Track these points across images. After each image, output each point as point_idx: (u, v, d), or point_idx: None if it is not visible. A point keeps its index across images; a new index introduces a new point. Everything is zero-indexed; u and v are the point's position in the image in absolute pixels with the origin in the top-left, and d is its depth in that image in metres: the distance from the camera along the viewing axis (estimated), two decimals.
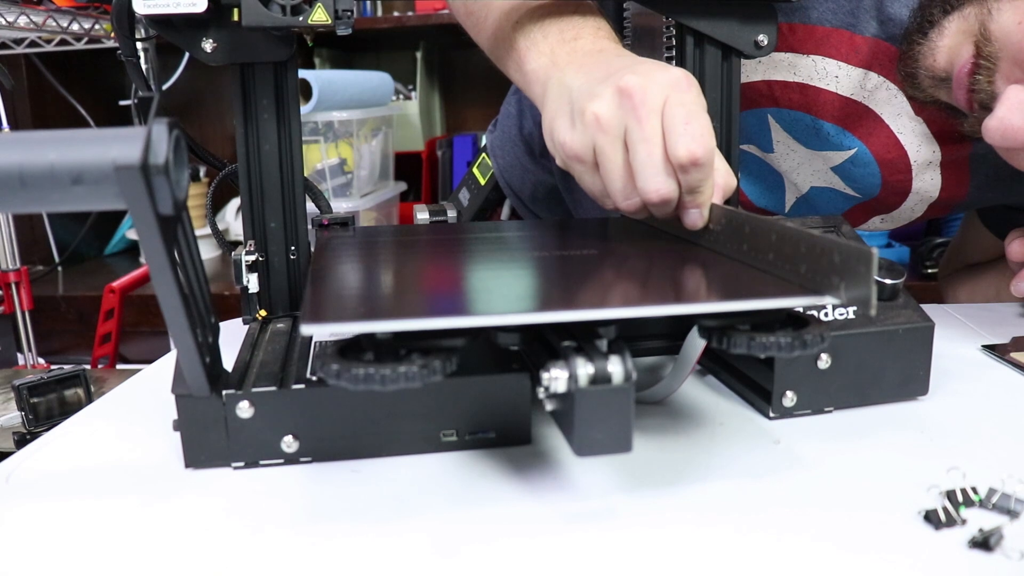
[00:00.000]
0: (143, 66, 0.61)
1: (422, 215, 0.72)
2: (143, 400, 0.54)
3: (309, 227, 0.60)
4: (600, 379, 0.36)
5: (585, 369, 0.36)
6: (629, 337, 0.52)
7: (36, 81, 1.95)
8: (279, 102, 0.56)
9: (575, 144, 0.51)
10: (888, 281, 0.51)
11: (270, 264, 0.59)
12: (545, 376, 0.37)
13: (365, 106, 1.74)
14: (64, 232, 2.04)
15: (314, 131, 1.66)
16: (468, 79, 2.31)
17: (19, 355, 1.59)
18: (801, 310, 0.42)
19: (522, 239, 0.62)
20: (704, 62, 0.59)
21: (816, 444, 0.46)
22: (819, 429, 0.48)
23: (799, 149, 0.77)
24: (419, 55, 2.13)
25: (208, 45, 0.52)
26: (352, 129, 1.70)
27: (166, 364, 0.61)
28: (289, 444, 0.43)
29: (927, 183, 0.75)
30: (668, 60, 0.61)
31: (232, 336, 0.52)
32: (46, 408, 0.83)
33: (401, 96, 2.16)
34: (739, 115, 0.61)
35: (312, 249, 0.58)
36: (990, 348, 0.61)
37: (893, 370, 0.50)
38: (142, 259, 1.94)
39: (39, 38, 1.59)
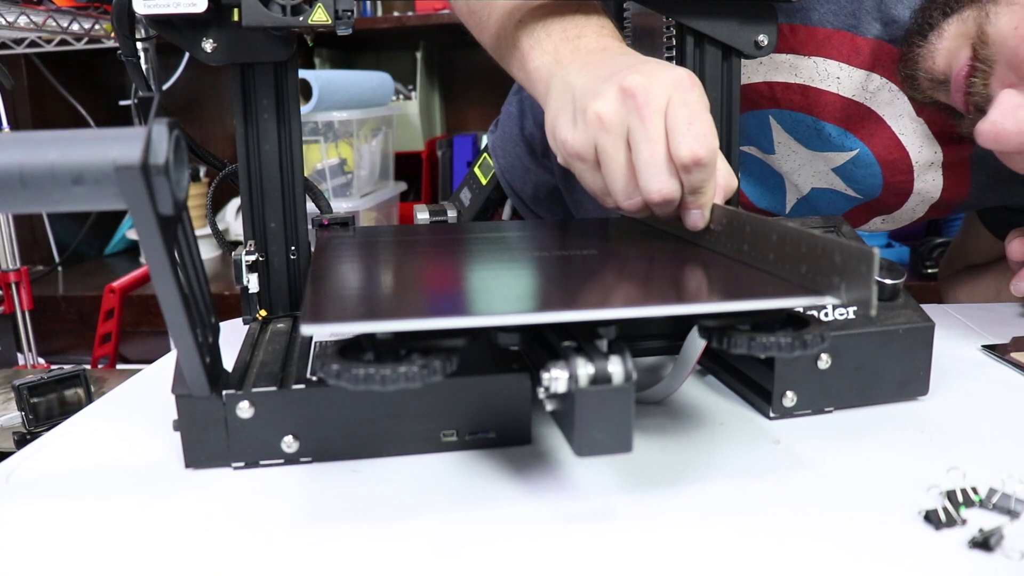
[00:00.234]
0: (143, 66, 0.61)
1: (422, 215, 0.72)
2: (143, 400, 0.54)
3: (309, 227, 0.60)
4: (600, 379, 0.36)
5: (585, 369, 0.36)
6: (629, 337, 0.52)
7: (36, 81, 1.95)
8: (279, 102, 0.56)
9: (576, 142, 0.51)
10: (888, 281, 0.51)
11: (270, 264, 0.59)
12: (545, 376, 0.37)
13: (365, 106, 1.74)
14: (64, 232, 2.04)
15: (314, 131, 1.66)
16: (468, 79, 2.31)
17: (19, 355, 1.59)
18: (801, 310, 0.42)
19: (522, 239, 0.62)
20: (704, 62, 0.59)
21: (816, 444, 0.46)
22: (819, 429, 0.48)
23: (800, 150, 0.77)
24: (419, 55, 2.13)
25: (208, 45, 0.52)
26: (352, 129, 1.70)
27: (166, 364, 0.61)
28: (289, 444, 0.43)
29: (929, 184, 0.75)
30: (668, 60, 0.61)
31: (232, 336, 0.52)
32: (46, 408, 0.83)
33: (401, 96, 2.16)
34: (739, 116, 0.61)
35: (312, 249, 0.58)
36: (990, 348, 0.61)
37: (893, 370, 0.50)
38: (142, 259, 1.94)
39: (39, 38, 1.59)
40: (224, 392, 0.42)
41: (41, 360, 1.64)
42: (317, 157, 1.68)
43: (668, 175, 0.49)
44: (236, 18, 0.50)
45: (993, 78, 0.58)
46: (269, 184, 0.57)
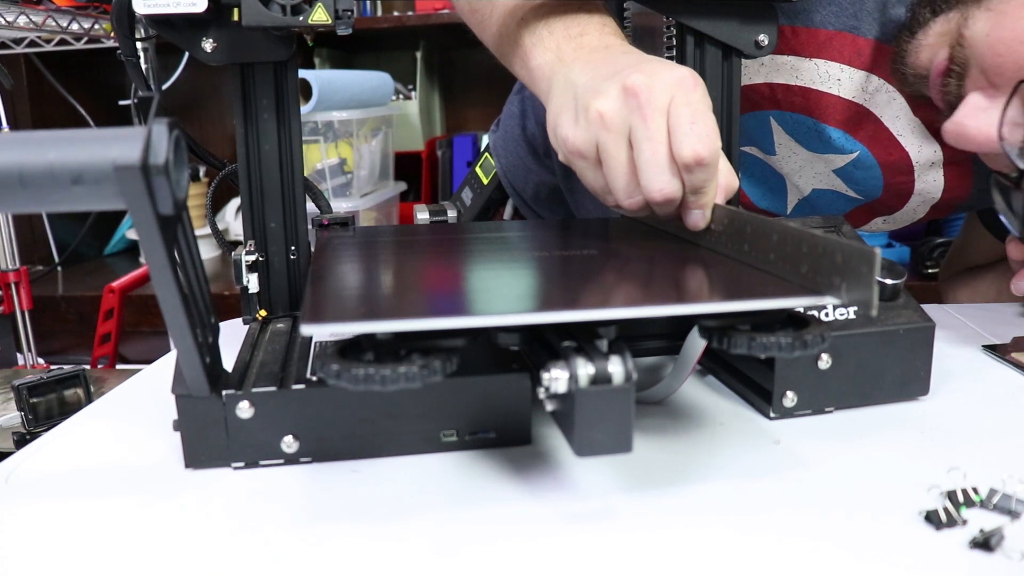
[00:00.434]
0: (143, 66, 0.61)
1: (422, 215, 0.72)
2: (143, 400, 0.54)
3: (309, 227, 0.60)
4: (600, 379, 0.36)
5: (585, 369, 0.36)
6: (629, 337, 0.52)
7: (36, 81, 1.95)
8: (279, 102, 0.56)
9: (578, 140, 0.51)
10: (889, 281, 0.50)
11: (270, 264, 0.58)
12: (545, 376, 0.37)
13: (365, 106, 1.74)
14: (64, 232, 2.04)
15: (314, 131, 1.66)
16: (468, 79, 2.30)
17: (19, 355, 1.59)
18: (802, 310, 0.42)
19: (522, 239, 0.62)
20: (705, 62, 0.59)
21: (816, 444, 0.46)
22: (819, 429, 0.48)
23: (801, 151, 0.77)
24: (419, 55, 2.13)
25: (208, 45, 0.52)
26: (352, 129, 1.70)
27: (166, 364, 0.61)
28: (289, 444, 0.43)
29: (930, 184, 0.75)
30: (669, 60, 0.61)
31: (232, 336, 0.52)
32: (46, 408, 0.83)
33: (401, 96, 2.16)
34: (740, 116, 0.61)
35: (312, 249, 0.58)
36: (991, 348, 0.61)
37: (894, 370, 0.50)
38: (142, 259, 1.94)
39: (39, 38, 1.59)
40: (224, 392, 0.42)
41: (41, 360, 1.64)
42: (317, 157, 1.68)
43: (670, 174, 0.49)
44: (236, 18, 0.50)
45: (967, 80, 0.59)
46: (269, 184, 0.57)
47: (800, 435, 0.47)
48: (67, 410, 0.82)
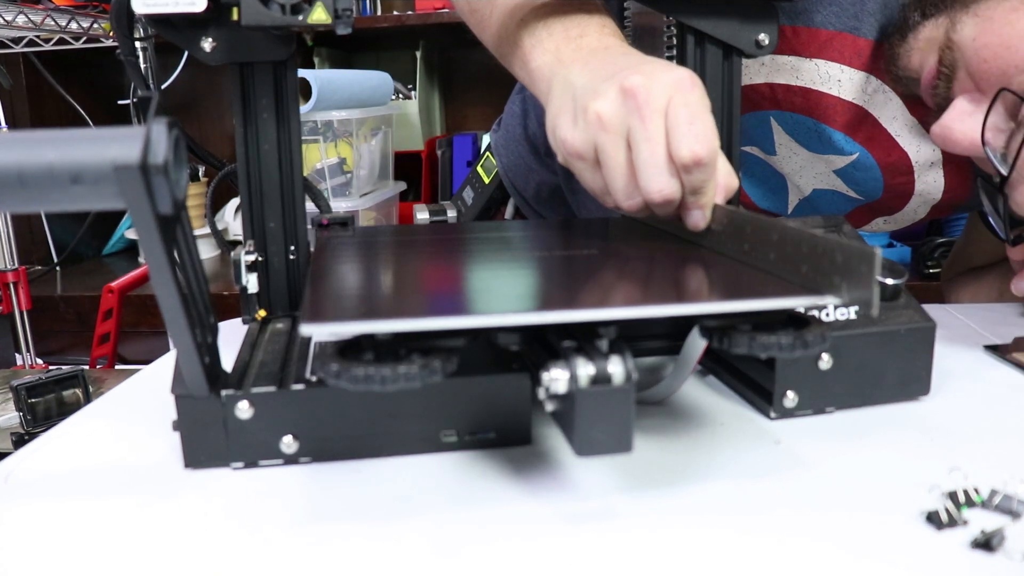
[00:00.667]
0: (142, 65, 0.60)
1: (422, 215, 0.72)
2: (142, 400, 0.54)
3: (309, 227, 0.60)
4: (601, 379, 0.36)
5: (586, 369, 0.36)
6: (630, 337, 0.52)
7: (34, 80, 1.95)
8: (279, 102, 0.56)
9: (576, 141, 0.51)
10: (890, 281, 0.50)
11: (270, 264, 0.58)
12: (545, 376, 0.37)
13: (364, 106, 1.74)
14: (63, 232, 2.04)
15: (313, 131, 1.66)
16: (468, 79, 2.30)
17: (17, 355, 1.59)
18: (802, 310, 0.42)
19: (522, 239, 0.62)
20: (705, 62, 0.59)
21: (817, 444, 0.46)
22: (820, 429, 0.48)
23: (801, 152, 0.77)
24: (419, 55, 2.13)
25: (207, 44, 0.52)
26: (351, 129, 1.70)
27: (165, 364, 0.60)
28: (289, 444, 0.43)
29: (930, 185, 0.75)
30: (669, 59, 0.61)
31: (232, 336, 0.52)
32: (44, 408, 0.83)
33: (401, 96, 2.16)
34: (740, 116, 0.61)
35: (312, 249, 0.58)
36: (992, 348, 0.61)
37: (894, 370, 0.50)
38: (141, 259, 1.94)
39: (37, 37, 1.59)
40: (223, 392, 0.42)
41: (39, 360, 1.64)
42: (316, 157, 1.68)
43: (668, 175, 0.49)
44: (235, 17, 0.50)
45: (955, 83, 0.60)
46: (268, 184, 0.57)
47: (800, 435, 0.47)
48: (66, 410, 0.82)
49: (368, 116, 1.75)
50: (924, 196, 0.77)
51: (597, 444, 0.36)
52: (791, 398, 0.48)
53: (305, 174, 0.59)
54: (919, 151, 0.73)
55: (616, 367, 0.36)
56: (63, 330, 1.83)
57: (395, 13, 2.01)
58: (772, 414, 0.49)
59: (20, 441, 0.81)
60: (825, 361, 0.48)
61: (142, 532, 0.38)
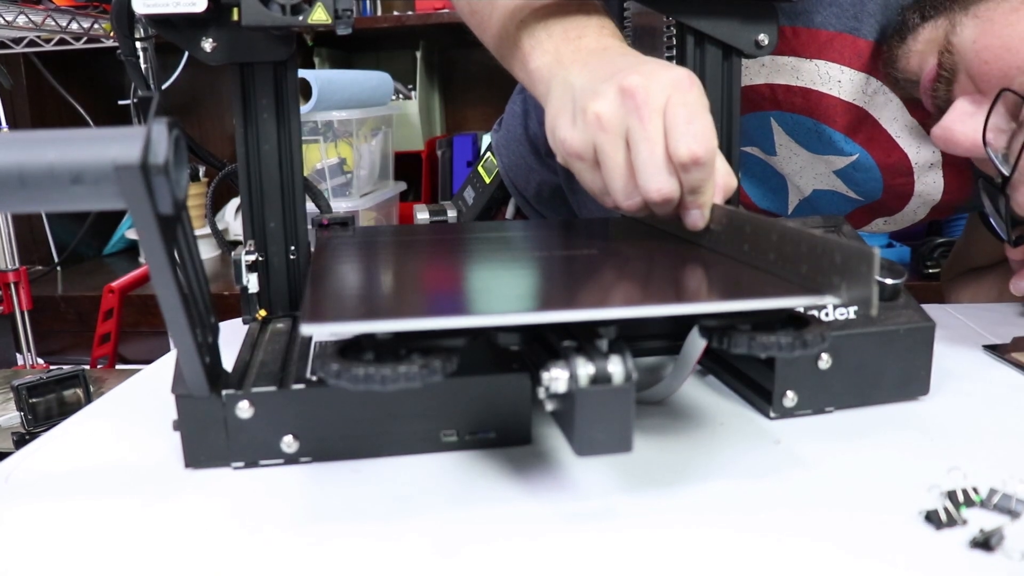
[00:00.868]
0: (143, 66, 0.60)
1: (422, 215, 0.72)
2: (143, 400, 0.54)
3: (309, 227, 0.60)
4: (600, 379, 0.36)
5: (585, 369, 0.36)
6: (630, 337, 0.52)
7: (35, 81, 1.95)
8: (279, 102, 0.56)
9: (575, 142, 0.51)
10: (889, 281, 0.50)
11: (270, 264, 0.58)
12: (545, 376, 0.37)
13: (365, 106, 1.74)
14: (63, 232, 2.04)
15: (314, 131, 1.66)
16: (468, 79, 2.30)
17: (18, 355, 1.59)
18: (802, 310, 0.42)
19: (522, 239, 0.62)
20: (705, 62, 0.59)
21: (817, 444, 0.46)
22: (820, 429, 0.48)
23: (801, 152, 0.77)
24: (419, 55, 2.13)
25: (208, 45, 0.52)
26: (352, 129, 1.70)
27: (166, 364, 0.61)
28: (289, 444, 0.43)
29: (929, 186, 0.75)
30: (669, 60, 0.61)
31: (232, 336, 0.52)
32: (45, 408, 0.83)
33: (401, 96, 2.16)
34: (740, 115, 0.61)
35: (312, 249, 0.58)
36: (991, 348, 0.61)
37: (894, 370, 0.50)
38: (141, 259, 1.94)
39: (38, 37, 1.59)
40: (224, 392, 0.42)
41: (40, 360, 1.64)
42: (317, 157, 1.68)
43: (667, 174, 0.49)
44: (236, 18, 0.50)
45: (955, 86, 0.60)
46: (269, 184, 0.57)
47: (800, 435, 0.47)
48: (67, 410, 0.82)
49: (368, 116, 1.75)
50: (924, 197, 0.77)
51: (597, 444, 0.36)
52: (791, 398, 0.48)
53: (305, 174, 0.59)
54: (919, 152, 0.73)
55: (616, 367, 0.36)
56: (64, 330, 1.83)
57: (395, 13, 2.01)
58: (772, 414, 0.49)
59: (21, 441, 0.81)
60: (825, 361, 0.48)
61: (143, 532, 0.38)
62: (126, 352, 1.77)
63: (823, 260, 0.39)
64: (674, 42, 0.60)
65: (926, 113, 0.68)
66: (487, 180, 0.99)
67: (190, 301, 0.38)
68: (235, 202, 1.97)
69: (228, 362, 0.45)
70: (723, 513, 0.39)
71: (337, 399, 0.42)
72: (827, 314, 0.50)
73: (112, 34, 0.59)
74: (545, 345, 0.42)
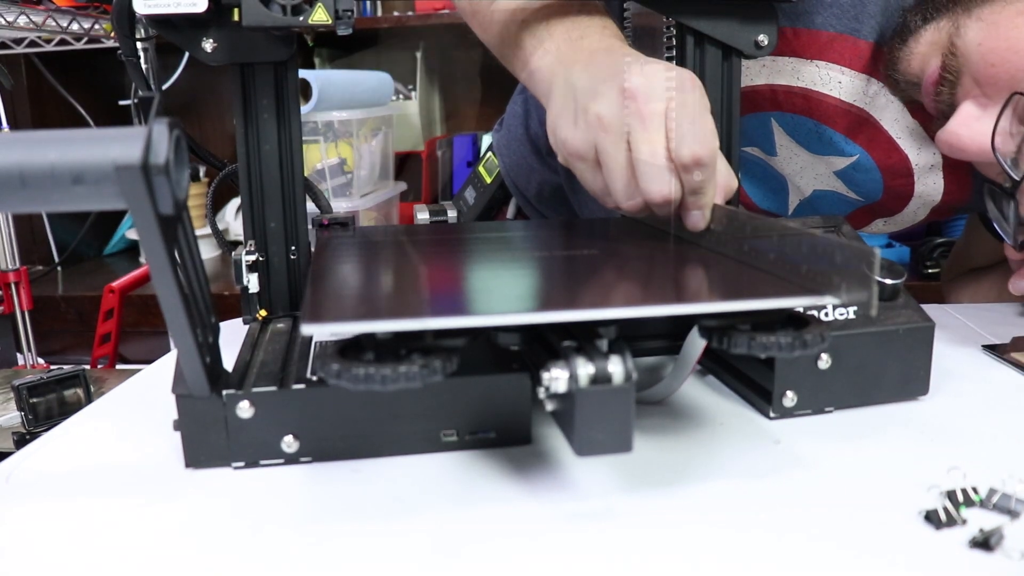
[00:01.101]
0: (143, 66, 0.61)
1: (422, 215, 0.72)
2: (143, 400, 0.54)
3: (309, 227, 0.60)
4: (600, 379, 0.36)
5: (585, 369, 0.36)
6: (630, 337, 0.52)
7: (36, 81, 1.95)
8: (279, 102, 0.56)
9: (576, 142, 0.51)
10: (889, 281, 0.50)
11: (270, 264, 0.59)
12: (545, 376, 0.37)
13: (365, 106, 1.74)
14: (64, 232, 2.04)
15: (314, 131, 1.66)
16: (468, 79, 2.30)
17: (19, 355, 1.59)
18: (802, 310, 0.42)
19: (522, 239, 0.62)
20: (704, 62, 0.59)
21: (816, 444, 0.46)
22: (819, 429, 0.48)
23: (802, 153, 0.77)
24: (419, 55, 2.13)
25: (208, 45, 0.52)
26: (352, 129, 1.70)
27: (166, 364, 0.61)
28: (289, 444, 0.43)
29: (929, 187, 0.75)
30: (669, 60, 0.61)
31: (232, 336, 0.52)
32: (46, 408, 0.83)
33: (401, 96, 2.16)
34: (740, 116, 0.61)
35: (312, 249, 0.58)
36: (991, 348, 0.61)
37: (893, 370, 0.50)
38: (142, 259, 1.94)
39: (39, 38, 1.59)
40: (224, 392, 0.42)
41: (41, 360, 1.64)
42: (317, 157, 1.68)
43: (668, 175, 0.49)
44: (236, 18, 0.50)
45: (959, 88, 0.60)
46: (269, 184, 0.57)
47: (800, 435, 0.47)
48: (67, 410, 0.82)
49: (368, 116, 1.75)
50: (923, 198, 0.77)
51: (597, 444, 0.37)
52: (790, 398, 0.48)
53: (306, 174, 0.59)
54: (919, 154, 0.73)
55: (616, 367, 0.36)
56: (64, 330, 1.83)
57: (395, 13, 2.01)
58: (772, 414, 0.49)
59: (21, 441, 0.81)
60: (824, 361, 0.48)
61: (143, 532, 0.38)
62: (126, 352, 1.77)
63: (823, 260, 0.39)
64: (674, 42, 0.60)
65: (927, 115, 0.68)
66: (488, 180, 0.99)
67: (190, 301, 0.38)
68: (235, 202, 1.97)
69: (228, 362, 0.45)
70: (723, 513, 0.39)
71: (337, 399, 0.42)
72: (827, 314, 0.50)
73: (113, 34, 0.59)
74: (545, 345, 0.42)
